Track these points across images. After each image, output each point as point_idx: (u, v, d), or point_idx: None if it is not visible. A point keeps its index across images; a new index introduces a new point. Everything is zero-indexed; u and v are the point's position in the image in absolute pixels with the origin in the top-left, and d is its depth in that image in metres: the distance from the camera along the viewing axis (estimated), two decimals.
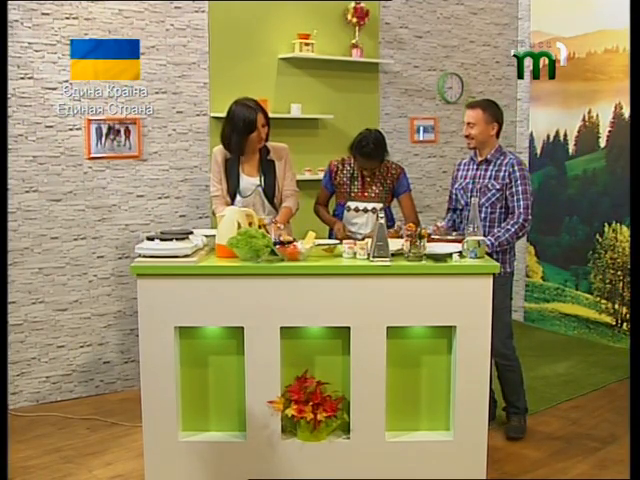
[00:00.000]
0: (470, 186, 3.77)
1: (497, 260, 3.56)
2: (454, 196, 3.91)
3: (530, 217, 3.63)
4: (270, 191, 3.86)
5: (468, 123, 3.71)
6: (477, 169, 3.77)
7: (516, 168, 3.64)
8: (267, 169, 3.87)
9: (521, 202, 3.62)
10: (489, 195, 3.68)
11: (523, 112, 6.03)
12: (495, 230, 3.64)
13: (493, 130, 3.71)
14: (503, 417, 3.89)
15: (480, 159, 3.76)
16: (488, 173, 3.71)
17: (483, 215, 3.68)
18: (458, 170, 3.91)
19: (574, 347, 5.38)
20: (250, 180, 3.85)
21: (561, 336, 5.69)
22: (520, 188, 3.62)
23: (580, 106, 5.55)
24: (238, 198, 3.82)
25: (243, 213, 3.31)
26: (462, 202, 3.83)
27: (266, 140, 3.85)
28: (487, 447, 3.18)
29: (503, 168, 3.67)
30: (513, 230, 3.60)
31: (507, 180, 3.65)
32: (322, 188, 4.14)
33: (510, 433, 3.79)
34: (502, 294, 3.65)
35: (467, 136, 3.73)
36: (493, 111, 3.72)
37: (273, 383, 3.12)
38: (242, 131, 3.71)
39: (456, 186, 3.88)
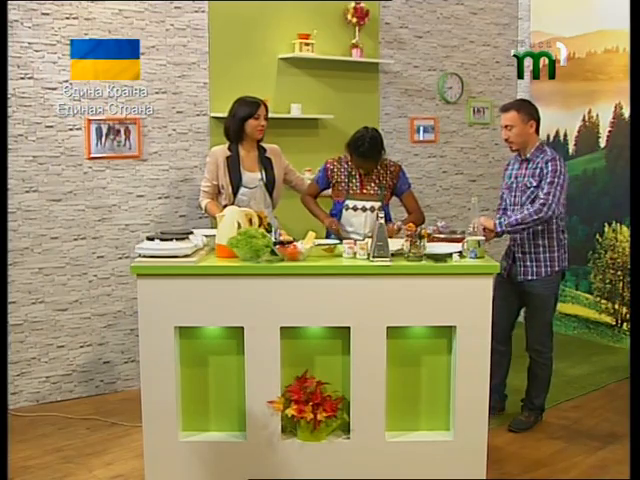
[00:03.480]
0: (514, 185, 3.78)
1: (545, 260, 3.65)
2: (503, 195, 3.92)
3: (552, 204, 3.52)
4: (270, 185, 4.12)
5: (506, 126, 3.68)
6: (519, 168, 3.77)
7: (549, 163, 3.61)
8: (267, 165, 4.12)
9: (545, 189, 3.56)
10: (528, 193, 3.67)
11: None
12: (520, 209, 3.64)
13: (531, 128, 3.68)
14: (511, 411, 3.94)
15: (522, 158, 3.76)
16: (528, 171, 3.70)
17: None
18: (506, 169, 3.93)
19: (574, 347, 5.38)
20: (251, 175, 4.07)
21: (561, 336, 5.68)
22: (549, 179, 3.57)
23: (580, 106, 5.54)
24: (243, 190, 4.04)
25: (243, 213, 3.31)
26: (507, 201, 3.83)
27: (261, 139, 4.12)
28: (487, 447, 3.18)
29: (540, 165, 3.65)
30: (527, 212, 3.55)
31: (540, 177, 3.62)
32: (313, 183, 4.18)
33: (514, 425, 3.82)
34: (546, 293, 3.72)
35: (507, 139, 3.71)
36: (528, 109, 3.70)
37: (273, 383, 3.12)
38: (244, 115, 3.99)
39: (503, 185, 3.91)
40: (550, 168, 3.60)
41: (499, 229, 3.58)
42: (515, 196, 3.74)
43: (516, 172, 3.79)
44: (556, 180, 3.57)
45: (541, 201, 3.55)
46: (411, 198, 4.06)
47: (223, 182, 4.03)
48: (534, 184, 3.64)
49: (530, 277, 3.73)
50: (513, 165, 3.85)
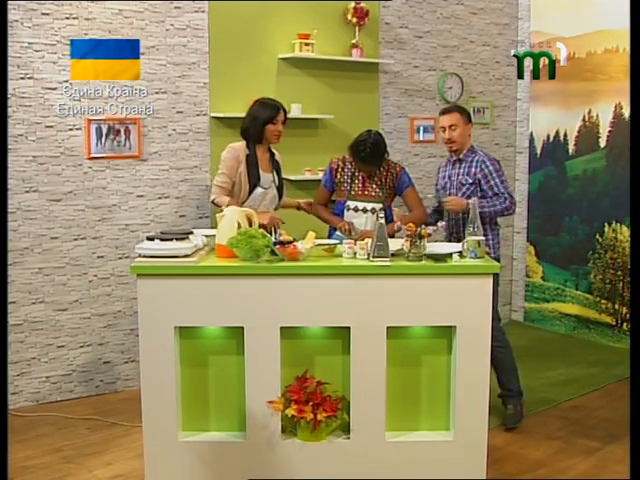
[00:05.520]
0: (447, 185, 4.01)
1: None
2: (437, 195, 4.15)
3: (515, 201, 3.85)
4: (281, 188, 4.13)
5: (450, 126, 3.89)
6: (452, 168, 4.01)
7: (488, 163, 3.88)
8: (277, 168, 4.13)
9: (502, 189, 3.83)
10: (464, 190, 3.90)
11: (523, 112, 6.02)
12: (483, 201, 3.78)
13: (469, 130, 3.95)
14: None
15: (454, 159, 3.99)
16: (461, 170, 3.95)
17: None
18: (438, 172, 4.17)
19: (574, 347, 5.38)
20: (265, 175, 4.04)
21: (561, 336, 5.69)
22: (497, 180, 3.85)
23: (580, 106, 5.55)
24: (259, 190, 3.99)
25: (243, 213, 3.31)
26: (443, 200, 3.99)
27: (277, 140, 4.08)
28: (487, 447, 3.18)
29: (474, 164, 3.91)
30: (499, 207, 3.81)
31: (480, 175, 3.86)
32: (321, 187, 4.14)
33: (507, 422, 3.84)
34: None
35: (449, 139, 3.92)
36: (467, 113, 3.98)
37: (273, 383, 3.12)
38: (264, 119, 3.95)
39: (437, 187, 4.14)
40: (491, 168, 3.86)
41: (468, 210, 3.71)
42: (450, 194, 3.95)
43: (449, 172, 4.02)
44: (503, 178, 3.88)
45: (508, 200, 3.79)
46: (412, 194, 4.05)
47: (242, 179, 3.97)
48: (470, 181, 3.89)
49: None
50: (445, 167, 4.09)
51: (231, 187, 3.96)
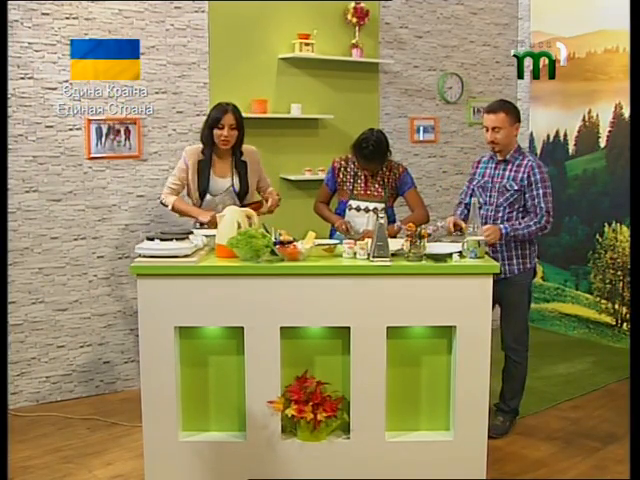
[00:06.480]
0: (489, 185, 3.75)
1: (517, 257, 3.67)
2: (470, 191, 3.88)
3: (552, 219, 3.61)
4: (242, 190, 3.91)
5: (493, 128, 3.61)
6: (495, 168, 3.75)
7: (536, 170, 3.62)
8: (241, 170, 3.91)
9: (542, 204, 3.59)
10: (507, 195, 3.67)
11: (523, 112, 5.96)
12: (515, 222, 3.60)
13: (517, 131, 3.69)
14: None
15: (500, 159, 3.73)
16: (507, 173, 3.69)
17: (501, 215, 3.68)
18: (477, 167, 3.88)
19: (574, 347, 5.38)
20: (221, 181, 3.88)
21: (561, 336, 5.69)
22: (541, 191, 3.60)
23: (580, 106, 5.55)
24: (208, 197, 3.87)
25: (243, 213, 3.31)
26: (480, 201, 3.75)
27: (238, 145, 3.88)
28: (487, 447, 3.18)
29: (522, 169, 3.64)
30: (534, 228, 3.59)
31: (526, 182, 3.62)
32: (324, 186, 4.14)
33: (491, 431, 3.54)
34: (519, 289, 3.70)
35: (492, 142, 3.64)
36: (515, 112, 3.68)
37: (273, 383, 3.12)
38: (210, 123, 3.80)
39: (474, 183, 3.85)
40: (538, 176, 3.61)
41: (503, 237, 3.55)
42: (490, 196, 3.72)
43: (491, 172, 3.76)
44: (548, 190, 3.61)
45: (544, 218, 3.58)
46: (414, 195, 4.04)
47: (191, 185, 3.87)
48: (515, 187, 3.64)
49: (504, 275, 3.63)
50: (486, 165, 3.82)
51: (181, 189, 3.89)
